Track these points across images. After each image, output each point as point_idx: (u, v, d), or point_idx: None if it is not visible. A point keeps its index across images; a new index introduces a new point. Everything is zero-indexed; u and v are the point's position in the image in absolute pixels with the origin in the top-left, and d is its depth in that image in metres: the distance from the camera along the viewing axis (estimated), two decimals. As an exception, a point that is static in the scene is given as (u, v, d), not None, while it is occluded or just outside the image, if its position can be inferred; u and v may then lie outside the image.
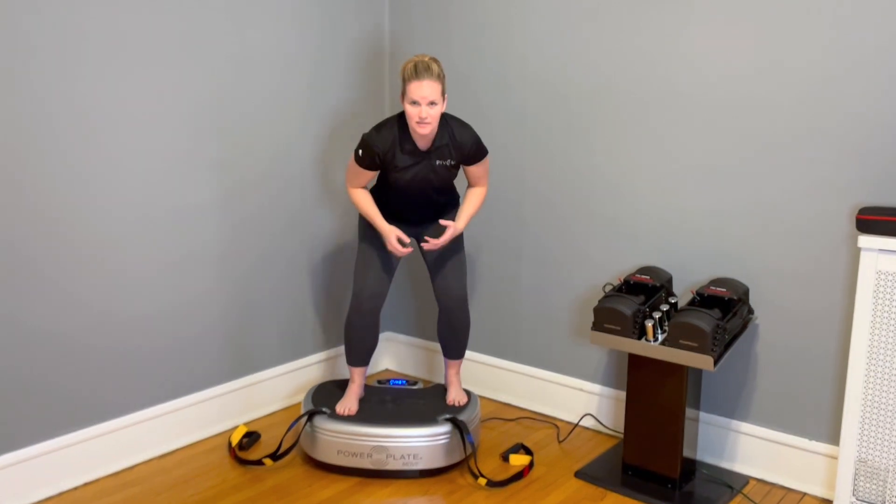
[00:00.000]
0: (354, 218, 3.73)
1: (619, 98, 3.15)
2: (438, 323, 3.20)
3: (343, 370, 3.80)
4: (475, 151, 2.95)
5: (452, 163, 2.93)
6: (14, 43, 2.53)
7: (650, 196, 3.13)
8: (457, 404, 3.13)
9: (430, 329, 3.88)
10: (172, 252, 3.06)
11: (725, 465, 3.06)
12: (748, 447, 3.00)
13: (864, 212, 2.57)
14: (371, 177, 2.97)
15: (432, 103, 2.76)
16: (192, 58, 3.00)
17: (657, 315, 2.82)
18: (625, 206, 3.20)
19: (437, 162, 2.92)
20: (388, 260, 3.07)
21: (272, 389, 3.51)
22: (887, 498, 2.63)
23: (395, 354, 4.02)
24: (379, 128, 2.90)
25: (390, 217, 3.09)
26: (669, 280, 3.03)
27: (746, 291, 2.90)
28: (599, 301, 2.91)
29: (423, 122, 2.77)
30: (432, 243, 2.94)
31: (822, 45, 2.68)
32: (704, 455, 3.10)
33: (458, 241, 3.11)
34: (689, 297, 3.03)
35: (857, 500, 2.68)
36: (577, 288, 3.38)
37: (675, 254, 3.10)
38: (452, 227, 2.95)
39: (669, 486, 2.89)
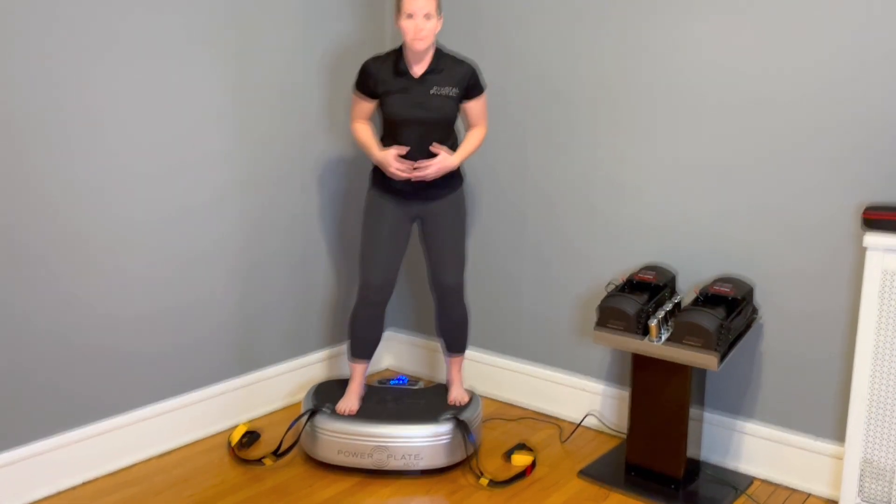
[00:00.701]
0: (359, 214, 3.73)
1: (623, 95, 3.14)
2: (436, 317, 3.19)
3: (345, 369, 3.79)
4: (475, 81, 2.96)
5: (452, 92, 2.92)
6: (17, 38, 2.53)
7: (654, 194, 3.12)
8: (458, 404, 3.12)
9: (432, 327, 3.87)
10: (172, 250, 3.05)
11: (730, 464, 3.06)
12: (753, 446, 3.00)
13: (870, 210, 2.56)
14: (370, 108, 3.00)
15: (427, 16, 2.79)
16: (193, 49, 3.00)
17: (661, 314, 2.82)
18: (628, 203, 3.19)
19: (434, 89, 2.90)
20: (395, 244, 3.04)
21: (273, 388, 3.51)
22: (893, 498, 2.62)
23: (396, 353, 4.01)
24: (375, 56, 2.98)
25: (389, 179, 3.00)
26: (673, 278, 3.02)
27: (751, 290, 2.89)
28: (603, 299, 2.90)
29: (419, 35, 2.80)
30: (421, 165, 2.89)
31: (827, 44, 2.67)
32: (709, 455, 3.10)
33: (458, 231, 3.08)
34: (693, 295, 3.03)
35: (863, 500, 2.68)
36: (580, 286, 3.37)
37: (679, 252, 3.09)
38: (443, 153, 2.92)
39: (673, 486, 2.89)
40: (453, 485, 2.92)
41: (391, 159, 2.89)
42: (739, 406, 3.02)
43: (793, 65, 2.75)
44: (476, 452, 2.97)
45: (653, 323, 2.78)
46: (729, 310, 2.77)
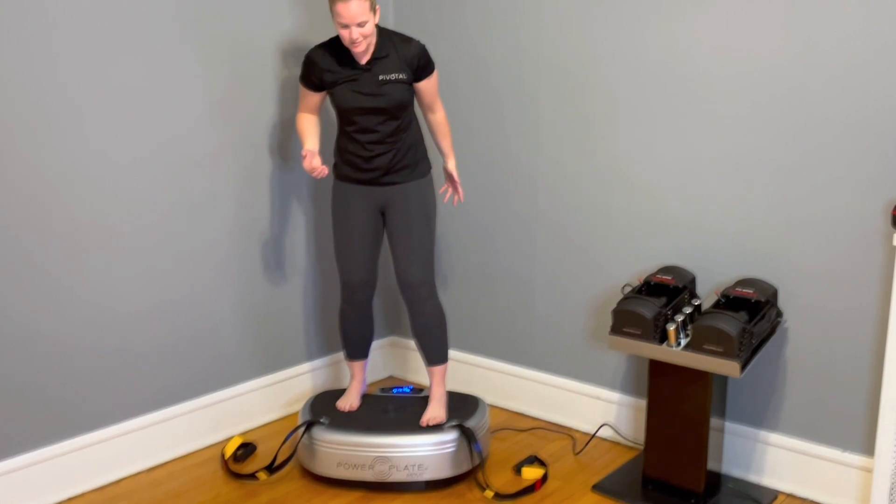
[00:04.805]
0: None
1: (638, 88, 3.13)
2: (410, 322, 3.16)
3: (344, 380, 3.79)
4: (425, 61, 2.97)
5: (402, 77, 2.93)
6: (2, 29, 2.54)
7: (671, 191, 3.11)
8: (431, 424, 3.00)
9: (437, 333, 3.87)
10: (164, 253, 3.06)
11: (753, 478, 3.05)
12: (777, 459, 2.99)
13: (901, 207, 2.56)
14: (316, 100, 3.01)
15: (361, 24, 2.79)
16: (188, 39, 3.01)
17: (680, 318, 2.81)
18: (645, 201, 3.18)
19: (381, 76, 2.91)
20: (369, 238, 3.07)
21: (269, 398, 3.51)
22: (927, 514, 2.61)
23: (399, 361, 4.01)
24: (320, 44, 2.98)
25: (350, 168, 3.02)
26: (693, 281, 3.02)
27: (775, 293, 2.88)
28: (618, 303, 2.90)
29: (356, 43, 2.81)
30: (453, 184, 3.16)
31: (853, 36, 2.66)
32: (730, 468, 3.09)
33: (424, 222, 3.06)
34: (714, 298, 3.02)
35: (895, 515, 2.67)
36: (595, 289, 3.36)
37: (699, 253, 3.08)
38: (453, 169, 3.13)
39: (693, 500, 2.88)
40: (460, 499, 2.92)
41: (305, 161, 2.88)
42: (763, 416, 3.01)
43: (816, 54, 2.74)
44: (483, 462, 2.97)
45: (671, 328, 2.77)
46: (752, 314, 2.76)
